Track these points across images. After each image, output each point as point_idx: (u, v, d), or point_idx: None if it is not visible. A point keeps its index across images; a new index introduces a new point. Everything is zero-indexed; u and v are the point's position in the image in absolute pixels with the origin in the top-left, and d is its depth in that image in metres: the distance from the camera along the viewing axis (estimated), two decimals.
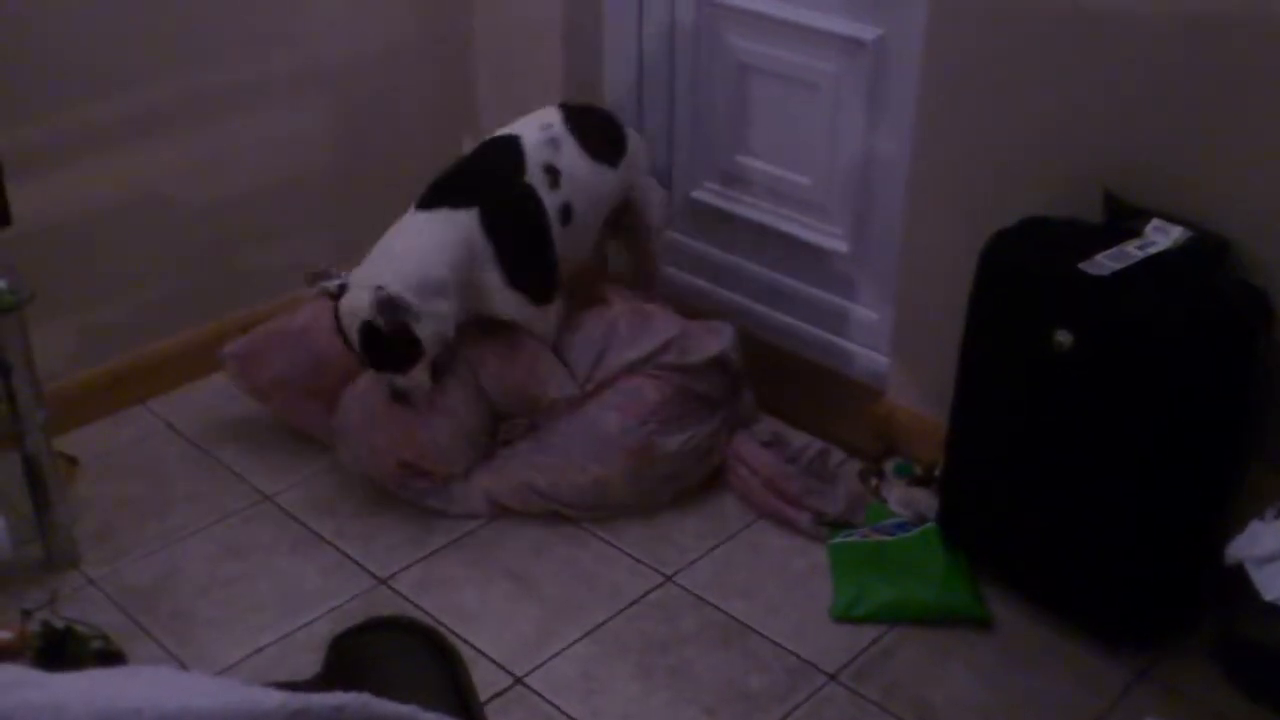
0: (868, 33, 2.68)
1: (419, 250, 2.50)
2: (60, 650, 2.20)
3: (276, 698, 0.98)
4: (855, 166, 2.82)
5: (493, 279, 2.58)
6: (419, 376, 2.50)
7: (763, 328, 3.04)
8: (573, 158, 2.71)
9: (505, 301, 2.61)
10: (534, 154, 2.66)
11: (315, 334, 2.72)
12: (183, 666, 2.27)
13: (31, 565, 2.44)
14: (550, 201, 2.65)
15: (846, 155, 2.82)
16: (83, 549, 2.50)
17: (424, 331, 2.45)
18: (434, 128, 3.30)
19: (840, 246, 2.92)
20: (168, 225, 2.87)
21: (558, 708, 2.21)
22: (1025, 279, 2.18)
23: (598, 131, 2.81)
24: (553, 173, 2.66)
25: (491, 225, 2.56)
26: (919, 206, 2.60)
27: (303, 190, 3.12)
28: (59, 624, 2.24)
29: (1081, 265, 2.10)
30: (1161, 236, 2.15)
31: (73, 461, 2.68)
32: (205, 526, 2.61)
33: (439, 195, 2.59)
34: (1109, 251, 2.12)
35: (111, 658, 2.24)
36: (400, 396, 2.52)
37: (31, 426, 2.35)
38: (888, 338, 2.81)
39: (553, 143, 2.69)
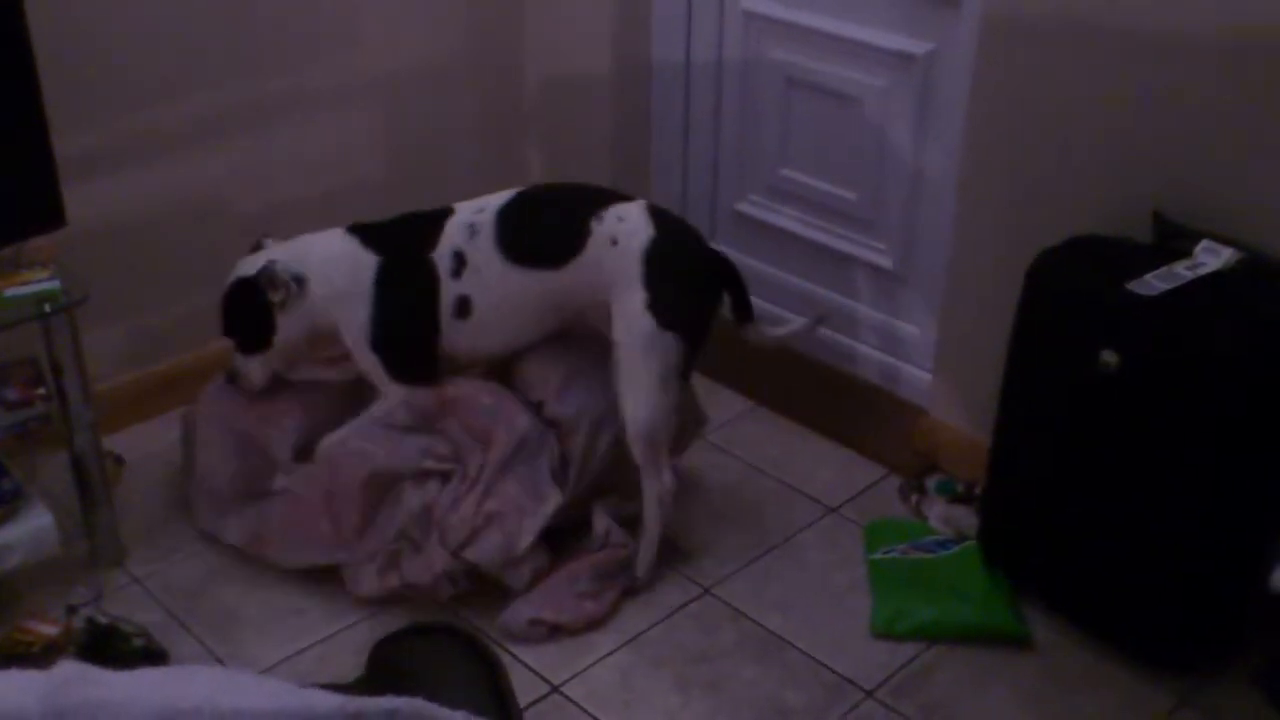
0: (918, 47, 2.68)
1: (333, 260, 2.47)
2: (103, 647, 2.23)
3: (333, 701, 0.99)
4: (902, 182, 2.81)
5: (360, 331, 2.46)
6: (254, 368, 2.50)
7: (805, 342, 3.03)
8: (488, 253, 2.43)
9: (364, 359, 2.48)
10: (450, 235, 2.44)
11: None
12: (224, 666, 2.29)
13: (78, 562, 2.46)
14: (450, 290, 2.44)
15: (893, 170, 2.82)
16: (128, 547, 2.53)
17: (283, 323, 2.45)
18: (483, 139, 3.32)
19: (885, 262, 2.91)
20: (220, 230, 2.90)
21: (595, 717, 2.21)
22: (1072, 298, 2.17)
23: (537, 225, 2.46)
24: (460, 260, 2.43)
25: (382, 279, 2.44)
26: (966, 223, 2.59)
27: (353, 198, 3.13)
28: (103, 620, 2.27)
29: (1129, 285, 2.09)
30: (1211, 258, 2.13)
31: (120, 461, 2.70)
32: None
33: (363, 229, 2.51)
34: (1158, 272, 2.11)
35: (154, 655, 2.26)
36: (233, 377, 2.54)
37: (81, 426, 2.38)
38: (931, 354, 2.80)
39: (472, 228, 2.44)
